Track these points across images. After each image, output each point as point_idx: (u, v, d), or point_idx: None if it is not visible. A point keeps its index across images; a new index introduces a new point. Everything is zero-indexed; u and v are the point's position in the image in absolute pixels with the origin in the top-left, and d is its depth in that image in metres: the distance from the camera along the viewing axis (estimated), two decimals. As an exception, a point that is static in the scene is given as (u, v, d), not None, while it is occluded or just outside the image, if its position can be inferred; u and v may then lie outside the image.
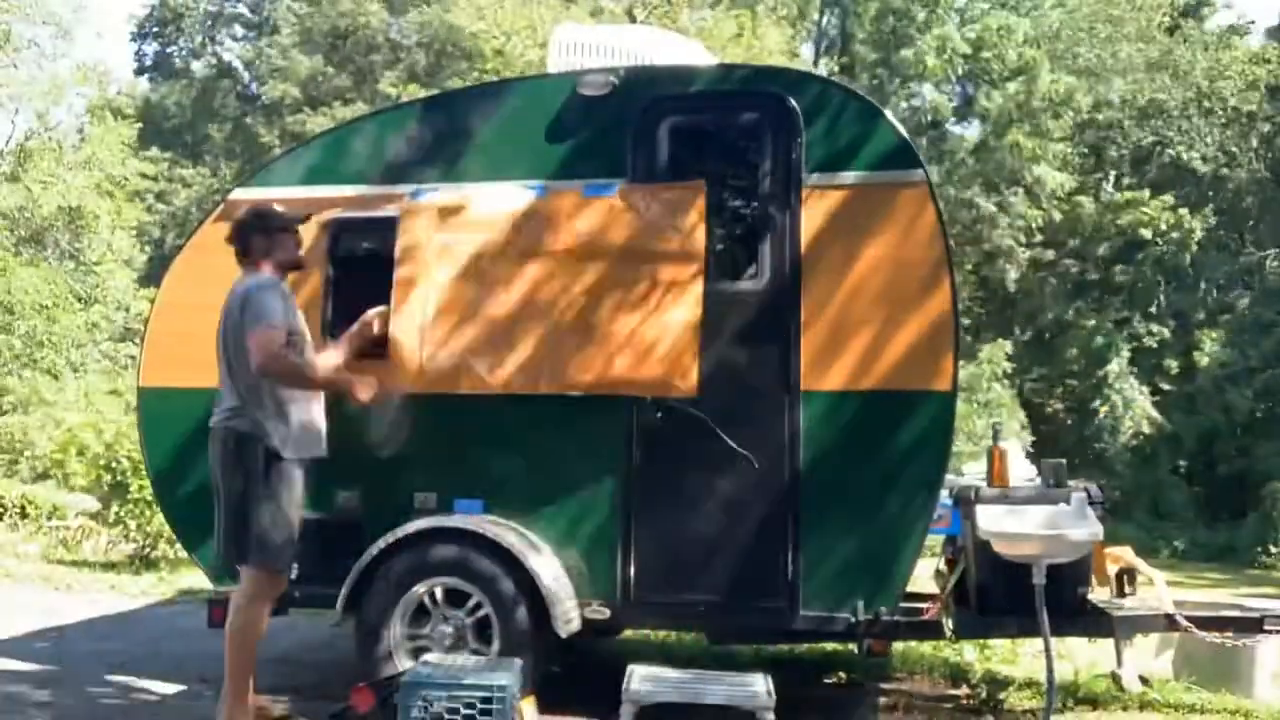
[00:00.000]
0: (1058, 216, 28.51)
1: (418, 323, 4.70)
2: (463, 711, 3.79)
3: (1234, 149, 29.27)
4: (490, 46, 20.57)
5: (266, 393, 4.14)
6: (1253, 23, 32.47)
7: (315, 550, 4.80)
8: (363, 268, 5.20)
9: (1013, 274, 28.37)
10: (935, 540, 5.17)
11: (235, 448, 4.12)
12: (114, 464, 10.38)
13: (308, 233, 4.94)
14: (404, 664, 4.57)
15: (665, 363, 4.54)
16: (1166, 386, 28.04)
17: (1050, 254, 29.05)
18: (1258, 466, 25.29)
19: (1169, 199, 27.90)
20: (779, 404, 4.56)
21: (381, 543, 4.60)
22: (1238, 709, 5.21)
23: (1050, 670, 4.48)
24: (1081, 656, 5.85)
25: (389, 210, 4.92)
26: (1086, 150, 30.28)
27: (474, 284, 4.71)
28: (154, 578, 9.40)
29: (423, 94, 21.02)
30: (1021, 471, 5.01)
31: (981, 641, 5.87)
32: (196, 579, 8.43)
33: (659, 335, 4.55)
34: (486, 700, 3.80)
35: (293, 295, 4.42)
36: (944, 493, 4.71)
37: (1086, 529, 4.41)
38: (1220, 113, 29.15)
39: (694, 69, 5.16)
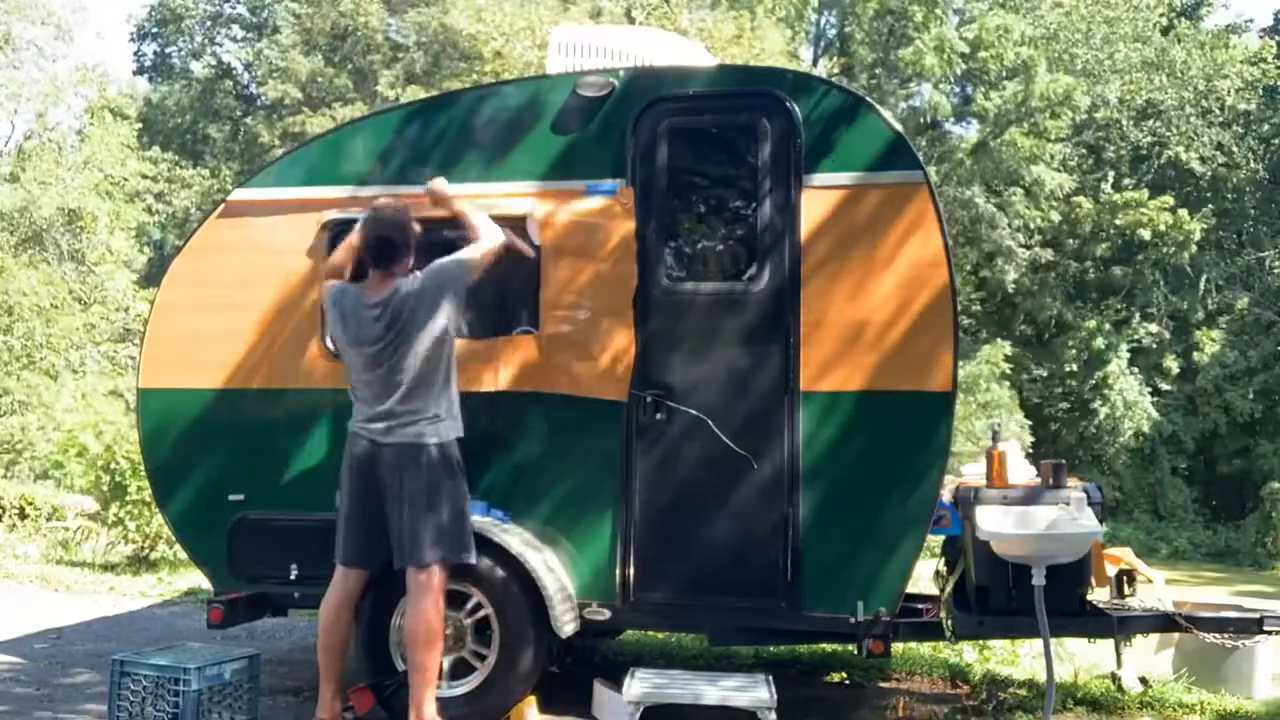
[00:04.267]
0: (1056, 217, 28.52)
1: None
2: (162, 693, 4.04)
3: (1233, 149, 29.29)
4: (489, 48, 20.55)
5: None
6: (1250, 21, 32.52)
7: (315, 550, 4.81)
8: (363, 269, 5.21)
9: (1012, 274, 28.38)
10: (935, 541, 5.17)
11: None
12: (113, 465, 10.37)
13: (308, 234, 4.97)
14: (404, 665, 4.57)
15: (599, 365, 4.61)
16: (1166, 387, 28.07)
17: (1049, 254, 29.06)
18: (1257, 466, 25.33)
19: (1168, 199, 27.92)
20: (778, 404, 4.56)
21: (381, 544, 4.59)
22: (1238, 709, 5.21)
23: (1050, 671, 4.49)
24: (1081, 657, 5.85)
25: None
26: (1085, 150, 30.30)
27: None
28: (153, 579, 9.39)
29: (422, 95, 21.02)
30: (1021, 472, 5.01)
31: (981, 642, 5.87)
32: (196, 580, 8.43)
33: (592, 338, 4.65)
34: (175, 681, 4.00)
35: None
36: (944, 493, 4.71)
37: (1085, 529, 4.41)
38: (1218, 113, 29.17)
39: (693, 70, 5.16)
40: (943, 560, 5.24)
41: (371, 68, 30.82)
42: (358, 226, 4.41)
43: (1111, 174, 30.13)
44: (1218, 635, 5.03)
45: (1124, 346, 27.95)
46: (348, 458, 4.29)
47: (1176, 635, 5.15)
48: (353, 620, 4.33)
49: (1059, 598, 4.48)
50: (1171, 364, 28.21)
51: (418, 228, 4.37)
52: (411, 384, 4.14)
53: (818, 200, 4.60)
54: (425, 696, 4.04)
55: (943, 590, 4.97)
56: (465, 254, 4.32)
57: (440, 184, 4.62)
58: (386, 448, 4.15)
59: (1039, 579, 4.35)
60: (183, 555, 8.56)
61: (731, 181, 4.93)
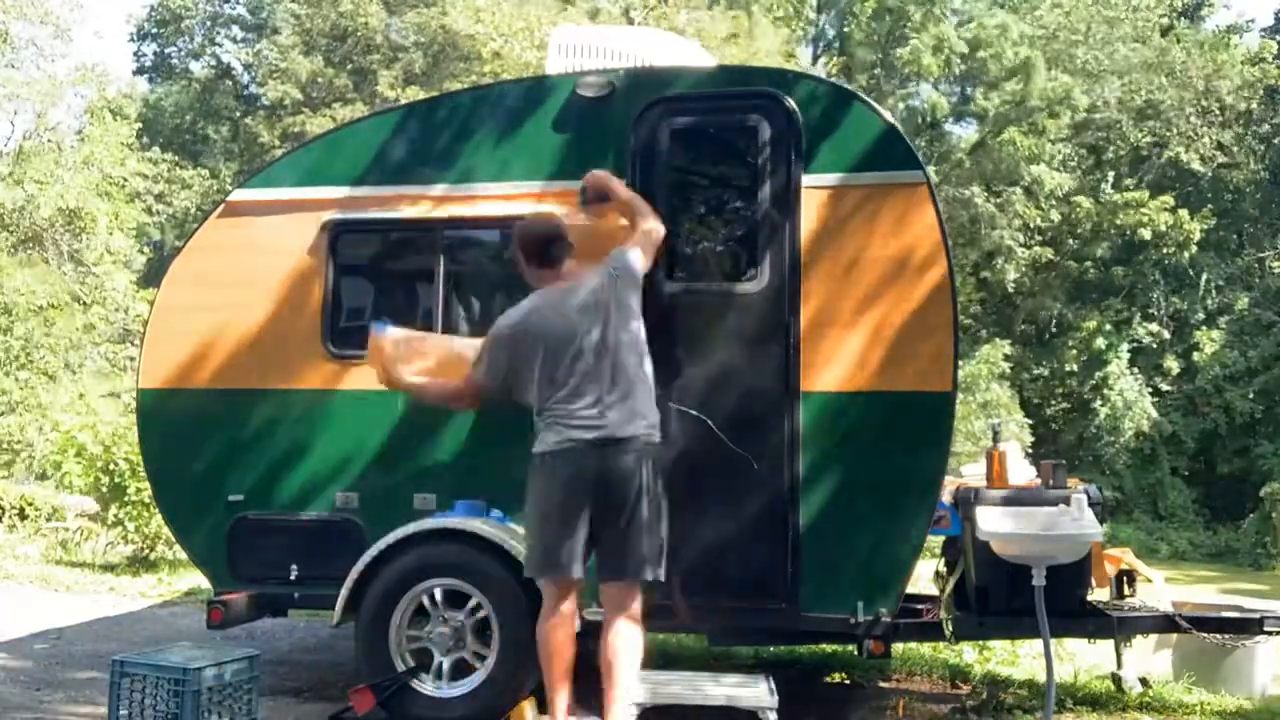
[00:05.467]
0: (1056, 217, 28.54)
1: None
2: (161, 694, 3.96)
3: (1233, 149, 29.31)
4: (488, 49, 20.58)
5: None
6: (1251, 21, 32.53)
7: (315, 551, 4.82)
8: (363, 269, 5.22)
9: (1011, 274, 28.40)
10: (935, 541, 5.17)
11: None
12: (112, 466, 10.37)
13: (308, 234, 4.97)
14: (404, 665, 4.57)
15: None
16: (1166, 387, 28.08)
17: (1049, 254, 29.07)
18: (1257, 466, 25.32)
19: (1168, 200, 27.93)
20: (779, 404, 4.55)
21: (381, 544, 4.59)
22: (1238, 709, 5.21)
23: (1050, 671, 4.48)
24: (1081, 657, 5.86)
25: (388, 211, 4.92)
26: (1085, 151, 30.31)
27: None
28: (153, 579, 9.40)
29: (422, 96, 21.02)
30: (1021, 472, 5.01)
31: (981, 643, 5.87)
32: (195, 580, 8.44)
33: None
34: (175, 681, 3.92)
35: None
36: (944, 493, 4.71)
37: (1085, 530, 4.41)
38: (1218, 113, 29.18)
39: (693, 70, 5.16)
40: (943, 560, 5.24)
41: (371, 68, 30.81)
42: (512, 244, 4.23)
43: (1111, 174, 30.13)
44: (1218, 635, 5.03)
45: (1124, 346, 27.97)
46: (562, 464, 3.89)
47: (1176, 635, 5.15)
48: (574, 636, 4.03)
49: (1059, 598, 4.47)
50: (1171, 364, 28.22)
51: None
52: (630, 382, 3.93)
53: (817, 199, 4.59)
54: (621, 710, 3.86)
55: (943, 590, 4.97)
56: (639, 245, 4.18)
57: (602, 174, 4.49)
58: (614, 449, 3.86)
59: (1039, 579, 4.35)
60: (182, 556, 8.56)
61: (731, 181, 4.93)
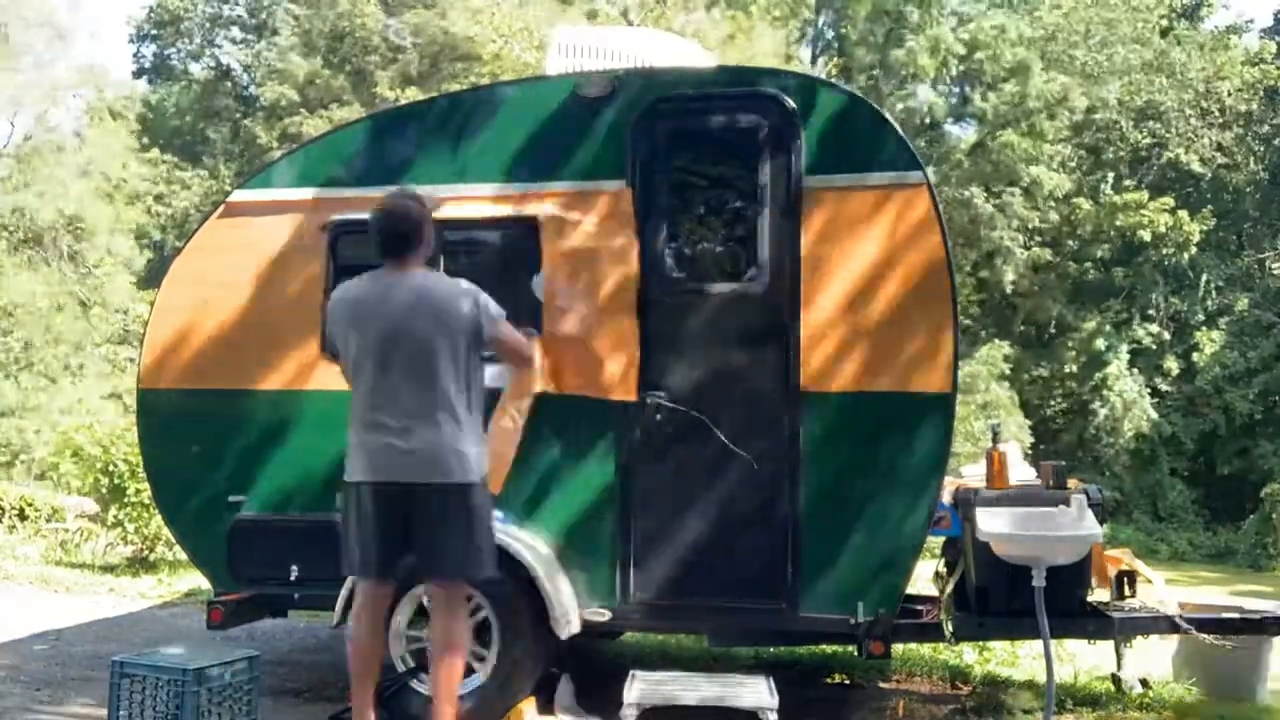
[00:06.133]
0: (1055, 217, 28.53)
1: None
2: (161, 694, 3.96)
3: (1233, 150, 29.31)
4: (487, 50, 20.60)
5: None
6: (1250, 22, 32.51)
7: (315, 552, 4.81)
8: (363, 270, 5.21)
9: (1011, 274, 28.38)
10: (935, 542, 5.17)
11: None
12: (112, 467, 10.36)
13: (307, 234, 4.97)
14: (404, 665, 4.57)
15: (604, 367, 4.60)
16: (1166, 388, 28.06)
17: (1049, 255, 29.06)
18: (1257, 467, 25.31)
19: (1168, 201, 27.92)
20: (779, 405, 4.55)
21: (381, 545, 4.58)
22: (1238, 711, 5.21)
23: (1050, 672, 4.48)
24: (1082, 658, 5.85)
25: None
26: (1085, 152, 30.30)
27: None
28: (153, 580, 9.39)
29: (421, 96, 21.03)
30: (1020, 473, 5.01)
31: (981, 643, 5.87)
32: (195, 581, 8.43)
33: (599, 340, 4.62)
34: (175, 681, 3.92)
35: None
36: (944, 494, 4.71)
37: (1085, 531, 4.41)
38: (1218, 114, 29.18)
39: (693, 70, 5.16)
40: (943, 561, 5.24)
41: (370, 69, 30.80)
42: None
43: (1111, 175, 30.11)
44: (1219, 637, 5.03)
45: (1124, 347, 27.95)
46: (361, 465, 3.79)
47: (1177, 636, 5.15)
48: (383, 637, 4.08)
49: (1059, 599, 4.47)
50: (1171, 365, 28.20)
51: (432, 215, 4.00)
52: (433, 413, 3.70)
53: (817, 200, 4.59)
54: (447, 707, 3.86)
55: (943, 591, 4.97)
56: (511, 336, 3.97)
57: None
58: (409, 464, 3.71)
59: (1039, 580, 4.35)
60: (182, 556, 8.56)
61: (731, 181, 4.93)
